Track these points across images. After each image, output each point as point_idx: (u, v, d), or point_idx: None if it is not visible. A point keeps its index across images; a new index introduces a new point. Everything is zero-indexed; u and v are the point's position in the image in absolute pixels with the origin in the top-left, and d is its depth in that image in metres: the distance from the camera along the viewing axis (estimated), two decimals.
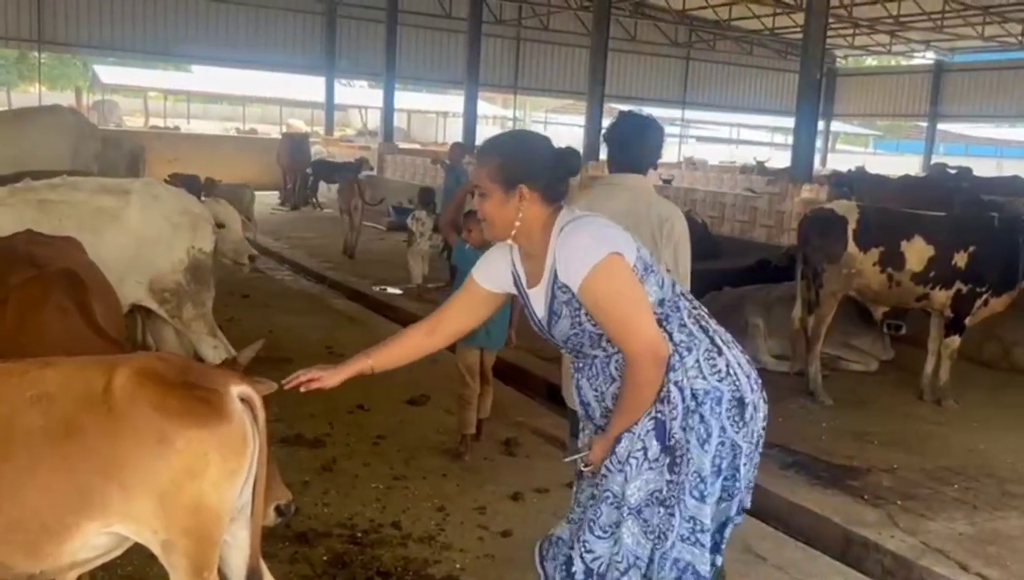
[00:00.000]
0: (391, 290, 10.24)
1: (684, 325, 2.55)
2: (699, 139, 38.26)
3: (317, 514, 4.22)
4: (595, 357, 2.61)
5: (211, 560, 2.29)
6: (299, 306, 9.26)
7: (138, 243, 4.76)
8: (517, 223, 2.53)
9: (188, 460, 2.20)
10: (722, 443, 2.52)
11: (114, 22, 22.62)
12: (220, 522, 2.29)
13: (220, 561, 2.40)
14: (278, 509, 2.64)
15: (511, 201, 2.50)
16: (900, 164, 31.40)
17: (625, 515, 2.51)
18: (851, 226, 6.49)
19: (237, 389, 2.34)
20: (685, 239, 3.70)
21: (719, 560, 2.66)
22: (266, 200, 18.86)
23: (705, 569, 2.53)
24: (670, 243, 3.63)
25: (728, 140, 39.29)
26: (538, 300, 2.60)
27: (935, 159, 28.34)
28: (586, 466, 2.63)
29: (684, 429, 2.50)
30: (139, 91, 32.22)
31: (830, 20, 14.89)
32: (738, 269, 9.00)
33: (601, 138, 4.18)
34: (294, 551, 3.83)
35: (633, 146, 3.70)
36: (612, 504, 2.54)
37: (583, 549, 2.58)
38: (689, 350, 2.53)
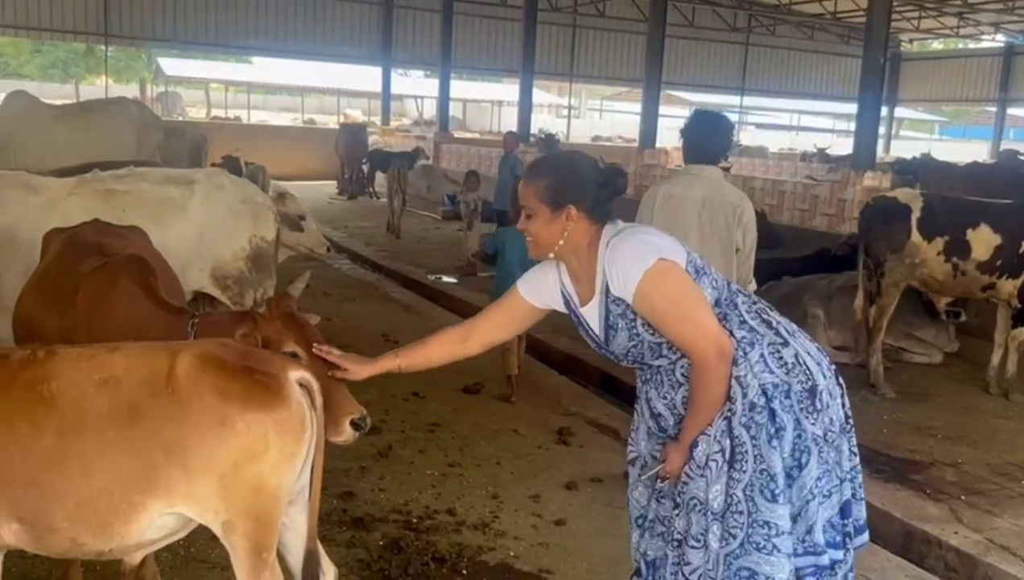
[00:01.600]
0: (447, 279, 10.29)
1: (744, 321, 2.51)
2: (758, 126, 37.67)
3: (374, 499, 4.28)
4: (659, 367, 2.59)
5: (270, 541, 2.34)
6: (356, 294, 9.36)
7: (201, 231, 4.86)
8: (561, 242, 2.55)
9: (248, 442, 2.25)
10: (799, 436, 2.45)
11: (177, 16, 23.08)
12: (279, 504, 2.33)
13: (279, 543, 2.44)
14: (353, 423, 2.63)
15: (558, 221, 2.53)
16: (967, 150, 30.54)
17: (710, 521, 2.46)
18: (915, 214, 6.34)
19: (295, 374, 2.38)
20: (752, 223, 4.34)
21: (842, 556, 2.54)
22: (324, 190, 19.10)
23: (782, 577, 2.43)
24: (740, 225, 4.26)
25: (788, 127, 38.61)
26: (592, 317, 2.61)
27: (1004, 145, 27.50)
28: (663, 479, 2.59)
29: (746, 426, 2.44)
30: (201, 83, 32.89)
31: (895, 3, 14.51)
32: (798, 258, 8.85)
33: (678, 133, 4.31)
34: (351, 535, 3.89)
35: (707, 140, 4.23)
36: (700, 511, 2.47)
37: (683, 561, 2.50)
38: (752, 345, 2.48)
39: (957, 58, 32.54)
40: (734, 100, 31.32)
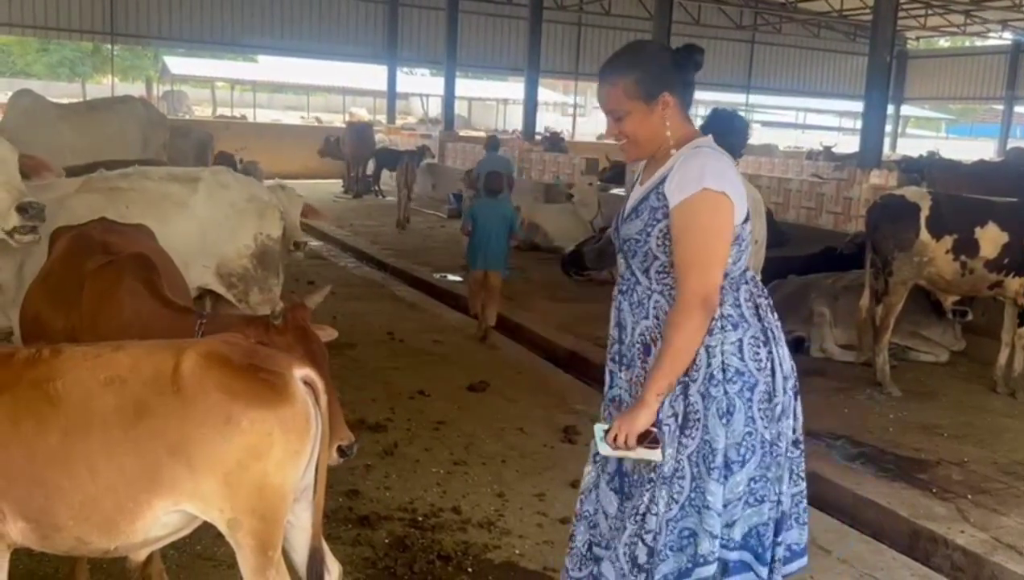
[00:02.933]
0: (452, 277, 10.30)
1: (738, 304, 2.47)
2: (764, 124, 37.60)
3: (379, 497, 4.28)
4: (638, 283, 2.55)
5: (276, 539, 2.34)
6: (362, 293, 9.37)
7: (204, 229, 4.87)
8: (668, 133, 2.49)
9: (253, 440, 2.25)
10: (750, 434, 2.43)
11: (183, 14, 23.15)
12: (284, 502, 2.34)
13: (284, 541, 2.45)
14: (340, 449, 2.68)
15: (655, 112, 2.47)
16: (974, 148, 30.42)
17: (659, 484, 2.44)
18: (923, 213, 6.32)
19: (300, 372, 2.38)
20: (764, 217, 4.76)
21: (766, 575, 2.53)
22: (329, 189, 19.12)
23: (706, 548, 2.43)
24: (760, 218, 4.58)
25: (794, 125, 38.54)
26: (634, 197, 2.56)
27: (1011, 143, 27.40)
28: (616, 442, 2.42)
29: (702, 395, 2.42)
30: (207, 81, 32.98)
31: (901, 1, 14.48)
32: (804, 257, 8.83)
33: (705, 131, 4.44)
34: (356, 533, 3.90)
35: (726, 138, 4.30)
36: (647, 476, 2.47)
37: (643, 531, 2.47)
38: (735, 328, 2.44)
39: (964, 56, 32.46)
40: (740, 98, 31.28)
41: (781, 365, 2.50)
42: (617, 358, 2.65)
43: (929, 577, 3.95)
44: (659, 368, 2.40)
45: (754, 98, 32.18)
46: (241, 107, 32.30)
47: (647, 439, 2.41)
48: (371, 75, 27.34)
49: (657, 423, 2.42)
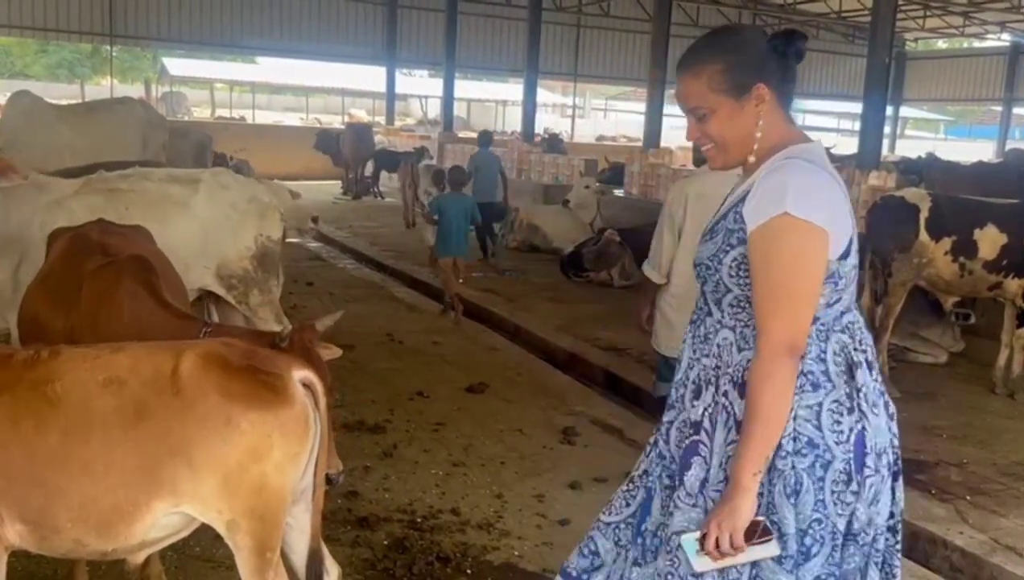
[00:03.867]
0: None
1: (823, 358, 2.01)
2: None
3: (378, 499, 4.28)
4: (709, 314, 2.14)
5: (274, 541, 2.34)
6: (361, 294, 9.37)
7: (205, 230, 4.87)
8: (758, 133, 2.04)
9: (252, 442, 2.25)
10: (818, 522, 1.97)
11: (182, 16, 23.13)
12: (283, 503, 2.34)
13: (283, 543, 2.45)
14: (327, 477, 2.64)
15: (746, 108, 2.03)
16: (973, 150, 30.44)
17: (706, 577, 2.03)
18: (923, 214, 6.32)
19: (299, 374, 2.38)
20: None
21: None
22: (329, 190, 19.11)
23: None
24: None
25: None
26: (722, 208, 2.16)
27: (1009, 144, 27.42)
28: (726, 546, 1.93)
29: (768, 466, 1.98)
30: (206, 83, 32.95)
31: (900, 2, 14.49)
32: None
33: None
34: (355, 535, 3.89)
35: None
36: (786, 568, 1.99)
37: None
38: (815, 388, 1.99)
39: (962, 57, 32.46)
40: None
41: (873, 439, 2.02)
42: (673, 391, 2.25)
43: (928, 578, 3.95)
44: (749, 439, 1.94)
45: None
46: (240, 108, 32.30)
47: (756, 532, 1.93)
48: (370, 76, 27.34)
49: (697, 488, 2.02)
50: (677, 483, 2.10)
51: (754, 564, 1.98)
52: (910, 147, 29.06)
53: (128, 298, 3.18)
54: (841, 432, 1.99)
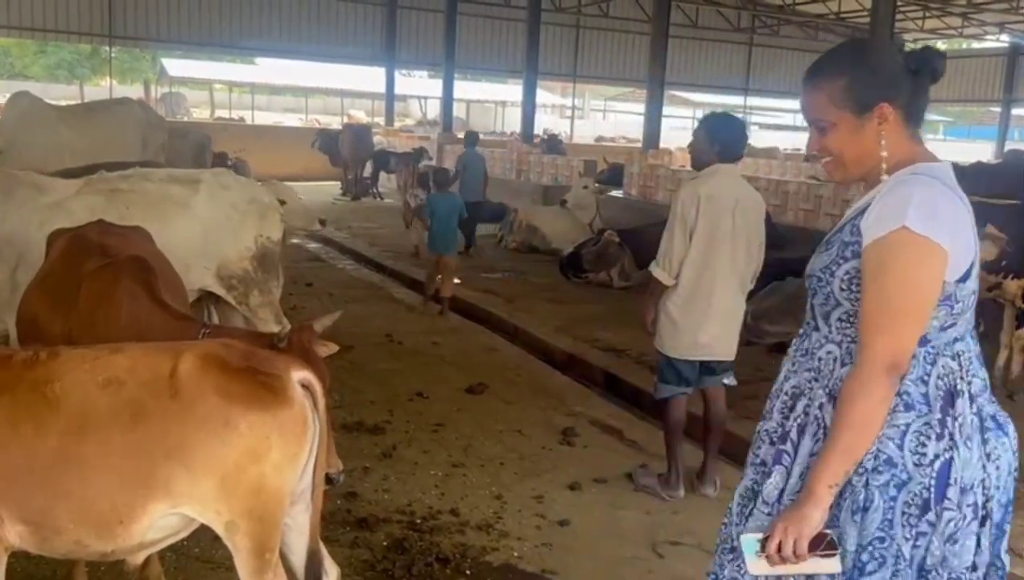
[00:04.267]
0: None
1: (925, 381, 1.93)
2: (762, 126, 37.65)
3: (377, 500, 4.28)
4: (815, 328, 2.09)
5: (273, 542, 2.34)
6: (360, 295, 9.37)
7: (205, 230, 4.87)
8: (884, 153, 1.99)
9: (251, 443, 2.24)
10: (881, 540, 1.90)
11: (181, 16, 23.13)
12: (281, 504, 2.33)
13: (282, 543, 2.44)
14: (327, 477, 2.66)
15: (868, 126, 1.98)
16: (971, 151, 30.47)
17: None
18: None
19: (298, 375, 2.38)
20: (763, 217, 4.67)
21: None
22: (328, 191, 19.11)
23: None
24: (762, 221, 4.54)
25: (792, 127, 38.57)
26: (841, 221, 2.11)
27: (1008, 145, 27.43)
28: (788, 551, 1.89)
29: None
30: (205, 83, 32.96)
31: (899, 3, 14.50)
32: (802, 258, 8.80)
33: (704, 134, 4.40)
34: (355, 536, 3.89)
35: (737, 141, 4.48)
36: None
37: None
38: (907, 409, 1.91)
39: (961, 58, 32.45)
40: (738, 100, 31.29)
41: (960, 472, 1.91)
42: (769, 403, 2.20)
43: None
44: (832, 451, 1.89)
45: (752, 100, 32.20)
46: (239, 109, 32.31)
47: (821, 544, 1.89)
48: (369, 77, 27.35)
49: (776, 496, 1.99)
50: (758, 490, 2.08)
51: (808, 577, 1.94)
52: None
53: (126, 299, 3.18)
54: (923, 455, 1.91)
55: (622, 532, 4.12)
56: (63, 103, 14.46)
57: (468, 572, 3.69)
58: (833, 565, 1.91)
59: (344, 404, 5.37)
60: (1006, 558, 2.03)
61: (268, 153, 19.25)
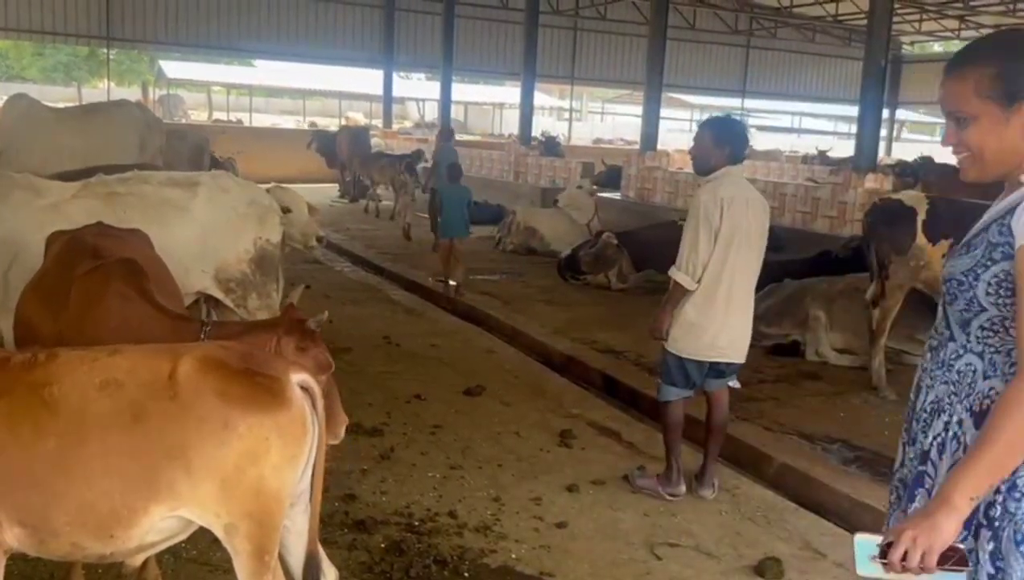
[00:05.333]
0: (450, 282, 10.29)
1: None
2: (760, 128, 37.64)
3: (375, 502, 4.28)
4: (951, 338, 1.96)
5: (272, 544, 2.34)
6: (358, 297, 9.37)
7: (204, 233, 4.86)
8: None
9: (250, 445, 2.24)
10: None
11: (179, 18, 23.13)
12: (281, 506, 2.33)
13: (280, 546, 2.44)
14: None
15: (1014, 120, 1.82)
16: None
17: None
18: (920, 217, 6.33)
19: (297, 377, 2.38)
20: (767, 216, 4.65)
21: None
22: (326, 193, 19.10)
23: None
24: (756, 217, 4.48)
25: (789, 129, 38.63)
26: (974, 228, 2.00)
27: None
28: (914, 562, 1.72)
29: (998, 506, 1.80)
30: (203, 85, 32.94)
31: (896, 5, 14.52)
32: (799, 260, 8.85)
33: (714, 137, 4.40)
34: (352, 538, 3.89)
35: (745, 144, 4.49)
36: None
37: None
38: None
39: None
40: (735, 102, 31.31)
41: None
42: (905, 427, 2.11)
43: None
44: (977, 461, 1.74)
45: (749, 102, 32.23)
46: (237, 111, 32.30)
47: (951, 560, 1.72)
48: (367, 79, 27.36)
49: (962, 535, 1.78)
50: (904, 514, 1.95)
51: None
52: (907, 150, 29.11)
53: (117, 301, 3.17)
54: None
55: (620, 534, 4.12)
56: (61, 105, 14.45)
57: (466, 574, 3.68)
58: None
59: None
60: None
61: (266, 155, 19.25)
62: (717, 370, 4.53)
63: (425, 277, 10.47)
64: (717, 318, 4.40)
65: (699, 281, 4.33)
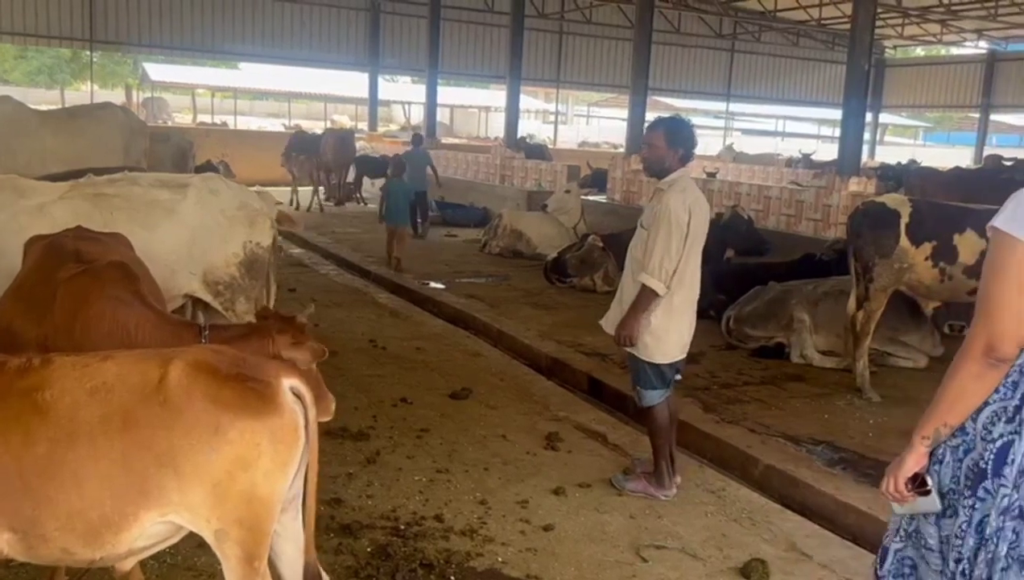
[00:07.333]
0: (434, 285, 10.30)
1: (1021, 370, 2.13)
2: (744, 132, 37.84)
3: (361, 506, 4.27)
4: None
5: (262, 550, 2.33)
6: (344, 300, 9.35)
7: (192, 235, 4.84)
8: None
9: (241, 451, 2.24)
10: (953, 491, 2.22)
11: (163, 21, 23.02)
12: (271, 512, 2.32)
13: (271, 551, 2.43)
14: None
15: None
16: (951, 156, 30.76)
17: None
18: (903, 220, 6.38)
19: (288, 382, 2.37)
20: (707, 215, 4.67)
21: None
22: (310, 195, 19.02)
23: None
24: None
25: (773, 133, 38.80)
26: None
27: (987, 150, 27.72)
28: (888, 489, 2.31)
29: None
30: (187, 88, 32.76)
31: (879, 10, 14.62)
32: (784, 263, 8.90)
33: (669, 137, 4.40)
34: (339, 542, 3.88)
35: (687, 147, 4.50)
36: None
37: None
38: (995, 390, 2.16)
39: (940, 65, 32.80)
40: (720, 106, 31.50)
41: (1017, 454, 2.11)
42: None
43: None
44: (928, 412, 2.23)
45: (734, 106, 32.39)
46: (222, 114, 32.15)
47: (916, 483, 2.25)
48: (353, 82, 27.31)
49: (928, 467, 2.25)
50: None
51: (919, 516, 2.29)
52: (889, 153, 29.33)
53: (111, 305, 3.15)
54: (990, 432, 2.15)
55: (606, 536, 4.13)
56: (44, 108, 14.36)
57: (452, 578, 3.69)
58: (933, 504, 2.23)
59: None
60: None
61: (251, 158, 19.17)
62: (677, 365, 4.64)
63: (411, 280, 10.47)
64: (685, 319, 4.52)
65: (668, 286, 4.36)
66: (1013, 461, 2.10)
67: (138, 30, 22.95)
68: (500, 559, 3.85)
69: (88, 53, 24.72)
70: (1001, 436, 2.12)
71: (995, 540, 2.11)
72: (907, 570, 2.36)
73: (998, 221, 2.14)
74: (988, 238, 2.20)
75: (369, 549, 3.85)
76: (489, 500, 4.42)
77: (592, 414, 5.91)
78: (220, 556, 2.31)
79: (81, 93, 32.82)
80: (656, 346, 4.46)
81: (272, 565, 2.48)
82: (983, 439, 2.16)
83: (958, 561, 2.18)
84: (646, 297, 4.40)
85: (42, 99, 29.24)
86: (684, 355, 4.63)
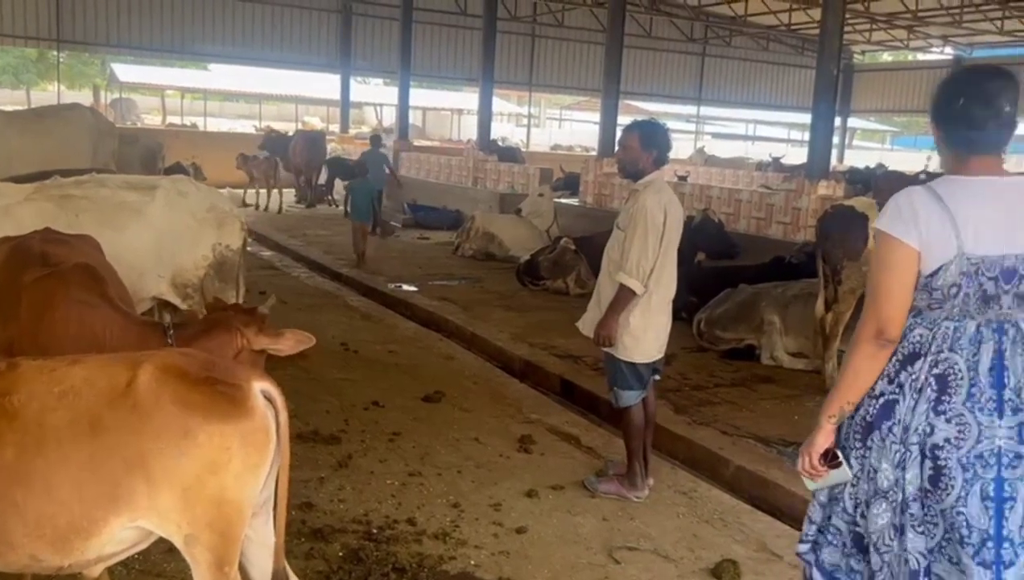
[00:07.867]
0: (406, 287, 10.27)
1: (904, 341, 2.41)
2: (714, 136, 38.11)
3: (333, 510, 4.25)
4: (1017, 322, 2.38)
5: (233, 555, 2.31)
6: (314, 302, 9.30)
7: (160, 238, 4.80)
8: None
9: (211, 455, 2.22)
10: (843, 448, 2.51)
11: (131, 21, 22.74)
12: (242, 516, 2.31)
13: (242, 556, 2.41)
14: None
15: None
16: (918, 160, 31.18)
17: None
18: (871, 223, 6.46)
19: (259, 385, 2.35)
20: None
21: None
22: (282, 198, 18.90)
23: None
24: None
25: (744, 136, 39.12)
26: None
27: None
28: (802, 466, 2.56)
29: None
30: (157, 89, 32.37)
31: (847, 15, 14.78)
32: (754, 266, 8.97)
33: (644, 140, 4.45)
34: (310, 547, 3.86)
35: (663, 150, 4.56)
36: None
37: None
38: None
39: (907, 70, 33.23)
40: (691, 110, 31.68)
41: (902, 414, 2.40)
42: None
43: None
44: (832, 393, 2.51)
45: (705, 110, 32.60)
46: (192, 115, 31.81)
47: (827, 457, 2.50)
48: (324, 84, 27.14)
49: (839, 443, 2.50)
50: None
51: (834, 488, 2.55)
52: (858, 157, 29.65)
53: (77, 307, 3.11)
54: (873, 390, 2.44)
55: (579, 538, 4.14)
56: (9, 108, 14.16)
57: None
58: (845, 474, 2.47)
59: (298, 413, 5.32)
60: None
61: (221, 160, 18.99)
62: (655, 365, 4.65)
63: (383, 283, 10.44)
64: (662, 319, 4.57)
65: (646, 285, 4.40)
66: (900, 420, 2.38)
67: (106, 30, 22.66)
68: (473, 562, 3.85)
69: (55, 53, 24.39)
70: (882, 394, 2.42)
71: (901, 491, 2.38)
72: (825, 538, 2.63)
73: (880, 224, 2.38)
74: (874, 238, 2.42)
75: (341, 554, 3.83)
76: (462, 503, 4.42)
77: (565, 416, 5.92)
78: (190, 561, 2.29)
79: (48, 94, 32.35)
80: (635, 345, 4.49)
81: (243, 570, 2.46)
82: (868, 396, 2.45)
83: (856, 506, 2.49)
84: (624, 297, 4.43)
85: (7, 100, 28.82)
86: (662, 354, 4.67)
